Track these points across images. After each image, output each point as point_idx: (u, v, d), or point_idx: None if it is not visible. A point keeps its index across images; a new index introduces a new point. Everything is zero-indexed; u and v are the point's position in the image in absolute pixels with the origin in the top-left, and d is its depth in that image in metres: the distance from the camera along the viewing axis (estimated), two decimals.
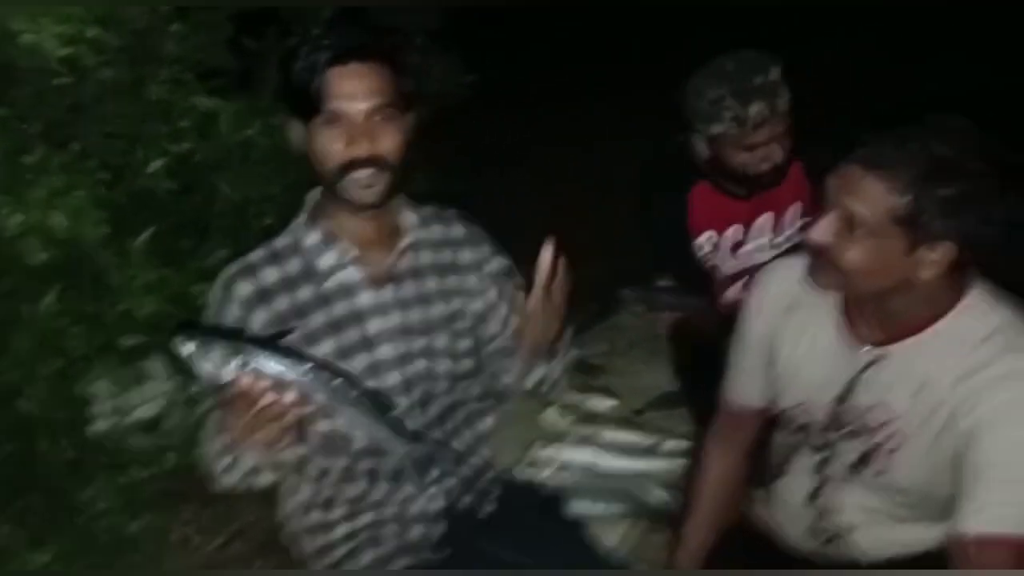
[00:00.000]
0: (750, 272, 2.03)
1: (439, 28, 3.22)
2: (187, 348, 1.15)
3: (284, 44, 2.29)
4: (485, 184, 3.88)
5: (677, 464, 2.05)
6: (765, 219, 2.11)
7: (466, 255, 1.55)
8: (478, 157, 3.62)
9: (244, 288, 1.39)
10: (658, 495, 1.99)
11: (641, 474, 2.05)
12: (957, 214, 1.16)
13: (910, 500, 1.35)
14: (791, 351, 1.44)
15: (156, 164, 1.98)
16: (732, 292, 2.15)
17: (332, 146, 1.35)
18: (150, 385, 2.11)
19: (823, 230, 1.23)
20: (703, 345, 2.10)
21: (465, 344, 1.52)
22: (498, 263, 1.57)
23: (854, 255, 1.21)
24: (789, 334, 1.44)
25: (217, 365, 1.14)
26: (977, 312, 1.26)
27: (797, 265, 1.41)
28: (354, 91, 1.33)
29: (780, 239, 2.13)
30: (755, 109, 1.84)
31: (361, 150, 1.34)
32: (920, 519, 1.37)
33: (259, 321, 1.37)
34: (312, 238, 1.44)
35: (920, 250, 1.19)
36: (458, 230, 1.57)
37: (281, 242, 1.45)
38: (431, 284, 1.50)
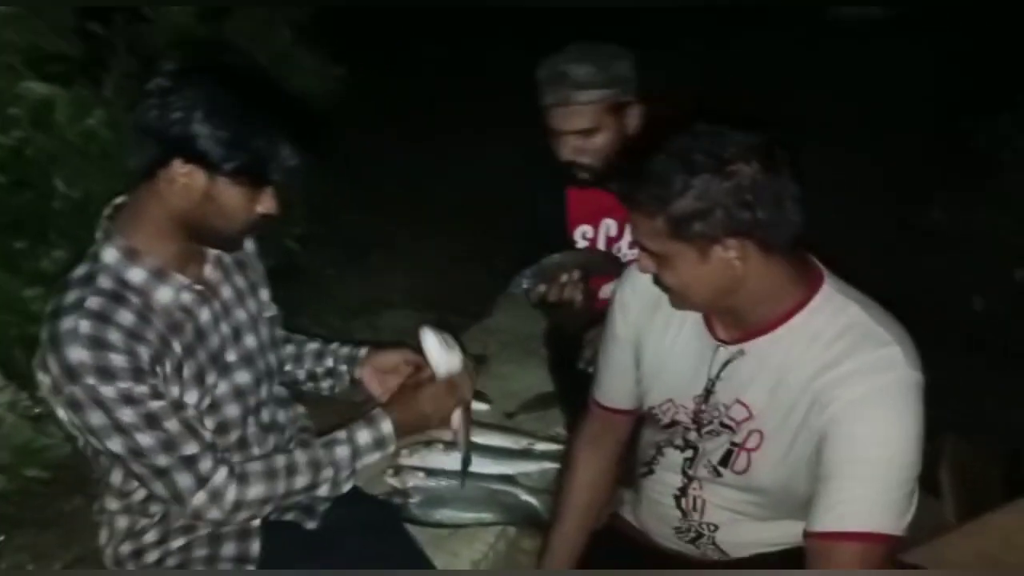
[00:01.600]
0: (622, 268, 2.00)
1: (307, 22, 3.11)
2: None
3: (131, 29, 2.15)
4: (359, 190, 3.78)
5: (550, 468, 2.02)
6: None
7: (248, 245, 1.54)
8: (349, 160, 3.51)
9: (114, 334, 1.26)
10: (528, 501, 1.94)
11: (512, 479, 2.00)
12: (713, 209, 1.17)
13: (772, 499, 1.35)
14: (655, 349, 1.43)
15: None
16: (605, 289, 2.13)
17: (252, 208, 1.34)
18: None
19: (642, 265, 1.32)
20: (577, 344, 2.08)
21: (276, 332, 1.58)
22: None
23: (670, 278, 1.28)
24: (654, 332, 1.42)
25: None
26: (828, 309, 1.27)
27: None
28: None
29: None
30: (551, 94, 1.86)
31: (274, 209, 1.36)
32: (783, 516, 1.37)
33: (145, 357, 1.27)
34: (137, 275, 1.32)
35: (714, 251, 1.21)
36: None
37: (104, 282, 1.30)
38: (239, 282, 1.51)
